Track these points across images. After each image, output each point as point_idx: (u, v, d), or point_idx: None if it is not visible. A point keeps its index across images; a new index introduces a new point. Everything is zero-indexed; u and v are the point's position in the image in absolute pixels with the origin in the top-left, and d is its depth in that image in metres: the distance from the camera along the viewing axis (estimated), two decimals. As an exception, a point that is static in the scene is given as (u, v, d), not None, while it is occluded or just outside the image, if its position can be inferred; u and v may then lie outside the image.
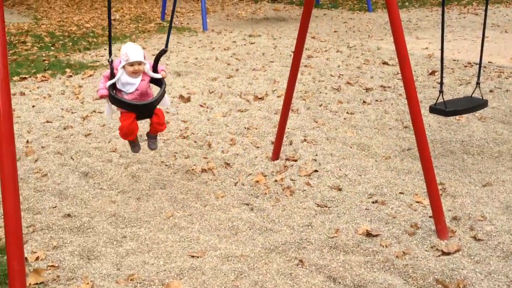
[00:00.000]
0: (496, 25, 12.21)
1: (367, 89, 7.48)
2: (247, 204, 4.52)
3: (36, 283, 3.43)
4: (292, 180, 4.89)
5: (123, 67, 4.00)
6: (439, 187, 4.45)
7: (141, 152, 5.46)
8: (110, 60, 3.97)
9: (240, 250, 3.80)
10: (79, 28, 13.16)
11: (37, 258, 3.69)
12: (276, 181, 4.88)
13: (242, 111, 6.73)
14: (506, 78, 7.76)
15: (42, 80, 8.21)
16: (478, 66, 6.28)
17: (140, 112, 4.11)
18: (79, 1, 17.99)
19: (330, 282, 3.43)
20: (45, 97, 7.35)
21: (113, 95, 4.00)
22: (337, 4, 16.91)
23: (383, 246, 3.79)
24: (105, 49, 10.52)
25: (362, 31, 12.21)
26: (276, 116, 6.38)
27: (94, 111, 6.79)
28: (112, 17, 14.50)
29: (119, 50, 4.26)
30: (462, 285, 3.32)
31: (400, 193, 4.59)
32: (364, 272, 3.50)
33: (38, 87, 7.81)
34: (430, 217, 4.07)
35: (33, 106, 6.96)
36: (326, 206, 4.41)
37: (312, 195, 4.60)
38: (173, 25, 13.20)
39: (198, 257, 3.72)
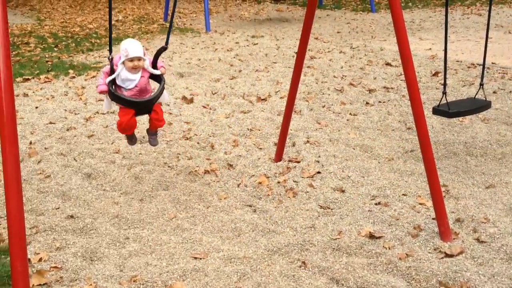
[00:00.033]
0: (500, 26, 12.18)
1: (370, 90, 7.48)
2: (250, 206, 4.51)
3: (39, 284, 3.43)
4: (295, 181, 4.89)
5: (123, 62, 4.00)
6: (442, 188, 4.45)
7: (143, 153, 5.48)
8: (110, 57, 3.98)
9: (243, 252, 3.79)
10: (82, 29, 13.17)
11: (40, 259, 3.70)
12: (279, 182, 4.88)
13: (245, 112, 6.73)
14: (510, 79, 7.74)
15: (45, 81, 8.21)
16: (481, 67, 6.27)
17: (139, 108, 4.12)
18: (82, 2, 18.01)
19: (333, 284, 3.43)
20: (48, 98, 7.35)
21: (113, 91, 4.00)
22: (340, 5, 16.90)
23: (386, 248, 3.79)
24: (108, 50, 10.51)
25: (365, 31, 12.20)
26: (279, 117, 6.37)
27: (97, 112, 6.80)
28: (115, 18, 14.51)
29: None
30: (465, 287, 3.32)
31: (403, 194, 4.58)
32: (367, 274, 3.49)
33: (41, 88, 7.82)
34: (433, 219, 4.06)
35: (36, 107, 6.97)
36: (329, 208, 4.41)
37: (315, 197, 4.60)
38: (176, 26, 13.25)
39: (201, 258, 3.72)
